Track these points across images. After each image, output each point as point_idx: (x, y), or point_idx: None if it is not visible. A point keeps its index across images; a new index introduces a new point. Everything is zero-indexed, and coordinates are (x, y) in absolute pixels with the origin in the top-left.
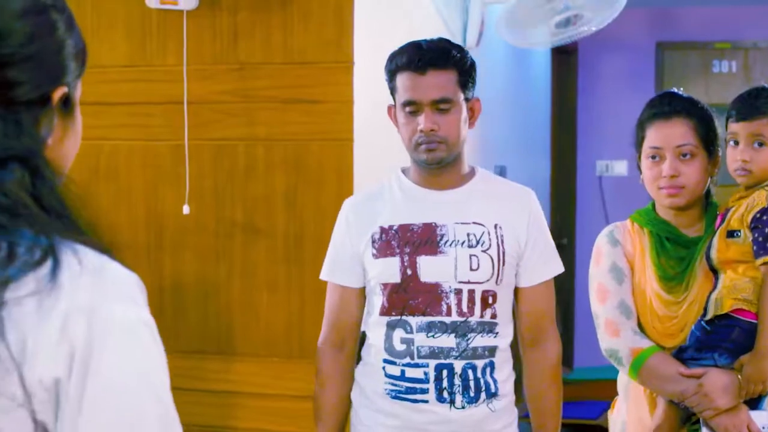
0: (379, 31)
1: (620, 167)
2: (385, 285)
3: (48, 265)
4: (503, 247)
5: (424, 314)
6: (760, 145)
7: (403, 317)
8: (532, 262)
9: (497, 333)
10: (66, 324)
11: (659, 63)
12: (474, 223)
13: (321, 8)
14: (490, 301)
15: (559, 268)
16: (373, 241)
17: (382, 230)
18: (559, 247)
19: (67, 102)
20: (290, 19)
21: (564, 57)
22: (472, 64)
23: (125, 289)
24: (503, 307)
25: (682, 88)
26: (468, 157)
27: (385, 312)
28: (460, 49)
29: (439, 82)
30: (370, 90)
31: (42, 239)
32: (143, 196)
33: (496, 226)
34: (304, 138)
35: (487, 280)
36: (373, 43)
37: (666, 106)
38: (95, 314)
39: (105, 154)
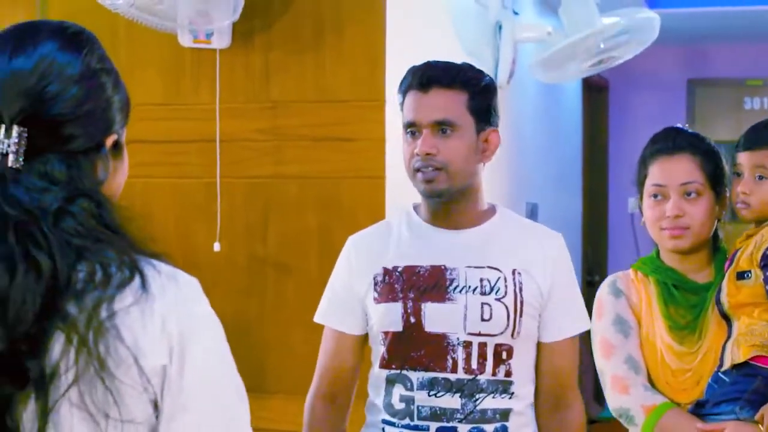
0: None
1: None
2: (386, 333)
3: (137, 278)
4: (521, 296)
5: (426, 369)
6: (761, 177)
7: (403, 371)
8: (555, 314)
9: (512, 394)
10: (164, 323)
11: (690, 100)
12: (489, 267)
13: (353, 47)
14: (505, 356)
15: (585, 324)
16: (376, 284)
17: (386, 272)
18: (591, 285)
19: (116, 145)
20: (322, 57)
21: (595, 94)
22: (488, 89)
23: (195, 288)
24: (522, 364)
25: (687, 121)
26: (499, 195)
27: (384, 364)
28: (477, 71)
29: (442, 101)
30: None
31: (125, 258)
32: (175, 234)
33: (514, 272)
34: (336, 176)
35: (501, 333)
36: None
37: (670, 141)
38: (182, 312)
39: (138, 191)
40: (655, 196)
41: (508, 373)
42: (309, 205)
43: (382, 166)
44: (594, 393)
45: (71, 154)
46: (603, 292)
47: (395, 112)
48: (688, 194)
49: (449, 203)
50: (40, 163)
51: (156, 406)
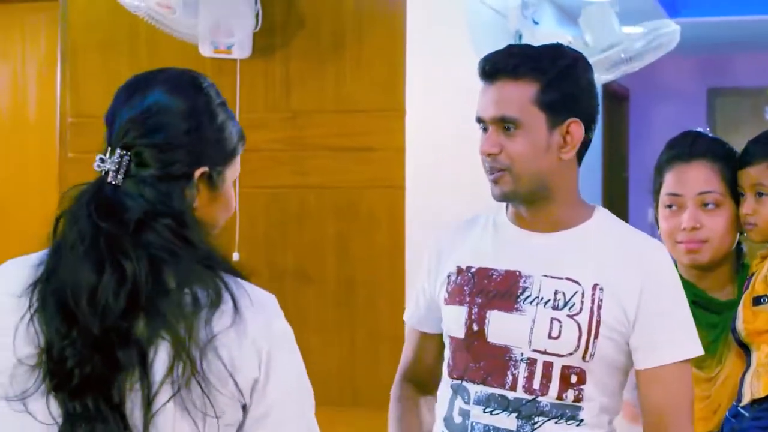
0: (430, 79)
1: None
2: (451, 339)
3: (228, 300)
4: (599, 315)
5: (484, 383)
6: (760, 195)
7: (464, 383)
8: (648, 337)
9: (582, 421)
10: (254, 342)
11: (711, 109)
12: (567, 279)
13: (373, 57)
14: (574, 380)
15: (693, 350)
16: (448, 283)
17: (459, 271)
18: None
19: (209, 178)
20: (342, 67)
21: (616, 103)
22: (567, 76)
23: (274, 306)
24: (598, 391)
25: (708, 129)
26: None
27: (450, 372)
28: (557, 54)
29: (505, 95)
30: (421, 137)
31: (216, 280)
32: None
33: (595, 287)
34: (356, 185)
35: (570, 354)
36: (424, 90)
37: (687, 146)
38: (268, 331)
39: None
40: (670, 206)
41: (577, 399)
42: (328, 214)
43: (402, 176)
44: None
45: (162, 178)
46: None
47: (415, 121)
48: (706, 205)
49: (527, 205)
50: (134, 182)
51: (245, 409)
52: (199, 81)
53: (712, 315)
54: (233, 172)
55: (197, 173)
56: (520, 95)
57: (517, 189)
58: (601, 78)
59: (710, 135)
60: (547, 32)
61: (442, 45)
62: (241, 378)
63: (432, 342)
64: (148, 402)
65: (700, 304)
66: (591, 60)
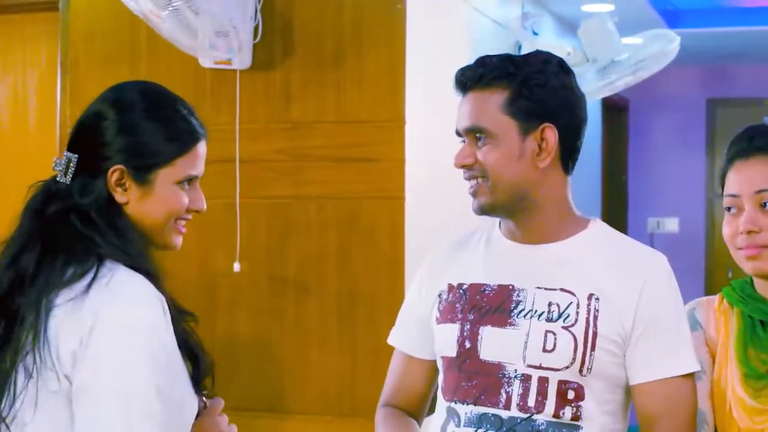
0: (431, 90)
1: (672, 224)
2: (444, 360)
3: (87, 279)
4: (595, 326)
5: (476, 403)
6: (764, 206)
7: (454, 404)
8: (644, 351)
9: None
10: (83, 318)
11: (710, 119)
12: (561, 290)
13: (373, 68)
14: (571, 396)
15: (689, 365)
16: (440, 302)
17: (450, 288)
18: None
19: (141, 176)
20: (343, 78)
21: (615, 114)
22: (537, 81)
23: (134, 297)
24: (597, 408)
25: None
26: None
27: (443, 394)
28: (529, 60)
29: (476, 105)
30: (422, 148)
31: (91, 262)
32: (196, 254)
33: (590, 298)
34: (356, 196)
35: (566, 367)
36: (425, 101)
37: (745, 142)
38: (105, 312)
39: None
40: (729, 208)
41: (575, 417)
42: (329, 225)
43: (402, 187)
44: None
45: (82, 176)
46: None
47: (415, 132)
48: (765, 204)
49: (512, 217)
50: (76, 182)
51: (69, 380)
52: (128, 93)
53: None
54: (177, 172)
55: (110, 171)
56: (489, 104)
57: (495, 200)
58: (604, 91)
59: None
60: (546, 43)
61: (442, 56)
62: (63, 348)
63: (422, 369)
64: (12, 363)
65: None
66: (594, 72)
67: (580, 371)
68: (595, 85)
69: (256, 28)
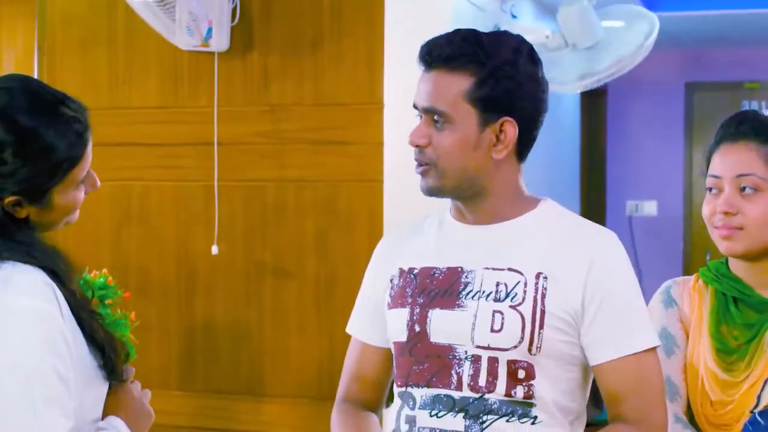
0: (409, 73)
1: (650, 207)
2: (395, 345)
3: None
4: (543, 304)
5: (428, 385)
6: (743, 190)
7: (408, 389)
8: (600, 330)
9: (535, 419)
10: None
11: (689, 103)
12: (509, 269)
13: (351, 51)
14: (521, 375)
15: (647, 340)
16: (391, 287)
17: (401, 273)
18: None
19: (37, 201)
20: (321, 61)
21: (593, 99)
22: (505, 72)
23: (22, 287)
24: (551, 387)
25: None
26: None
27: (397, 380)
28: (501, 46)
29: (439, 85)
30: (400, 131)
31: None
32: (174, 237)
33: (538, 276)
34: (335, 179)
35: (514, 347)
36: (403, 84)
37: (733, 127)
38: None
39: (136, 194)
40: (711, 189)
41: (528, 396)
42: (307, 208)
43: (380, 170)
44: (593, 397)
45: None
46: (655, 299)
47: (393, 115)
48: (743, 188)
49: (461, 200)
50: None
51: None
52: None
53: (751, 313)
54: (72, 181)
55: (5, 200)
56: (452, 88)
57: (443, 185)
58: (589, 85)
59: (763, 115)
60: (525, 26)
61: (420, 38)
62: None
63: (378, 355)
64: None
65: (743, 301)
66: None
67: (530, 350)
68: (576, 74)
69: (234, 10)
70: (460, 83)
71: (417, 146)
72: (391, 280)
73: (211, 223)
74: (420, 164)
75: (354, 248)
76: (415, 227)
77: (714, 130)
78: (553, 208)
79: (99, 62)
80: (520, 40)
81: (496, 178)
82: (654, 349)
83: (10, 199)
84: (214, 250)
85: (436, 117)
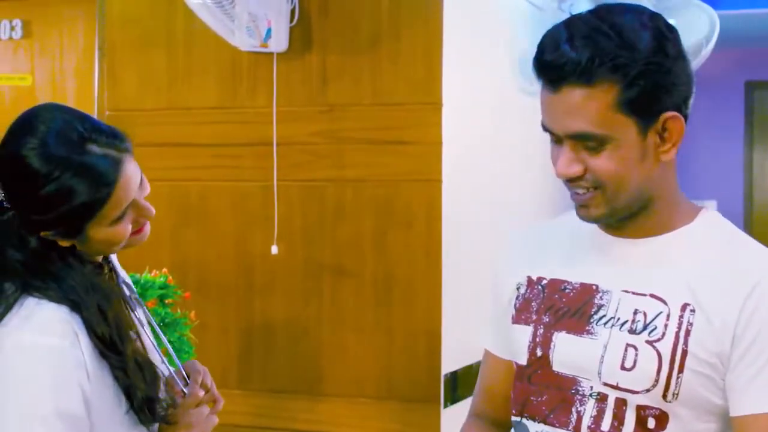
0: (468, 71)
1: (711, 207)
2: (516, 365)
3: (2, 310)
4: (686, 343)
5: (545, 421)
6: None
7: (523, 419)
8: (748, 375)
9: None
10: None
11: (749, 102)
12: (651, 296)
13: (410, 49)
14: (651, 425)
15: None
16: (517, 297)
17: (529, 282)
18: None
19: (71, 236)
20: (379, 60)
21: None
22: (652, 64)
23: (40, 324)
24: None
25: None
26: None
27: (512, 405)
28: (639, 35)
29: (578, 105)
30: (459, 130)
31: (11, 295)
32: (233, 237)
33: (684, 308)
34: (393, 179)
35: (647, 390)
36: (462, 83)
37: None
38: (4, 341)
39: (195, 194)
40: None
41: None
42: (366, 208)
43: (439, 170)
44: None
45: (20, 227)
46: None
47: (452, 115)
48: None
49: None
50: (12, 225)
51: None
52: (18, 153)
53: None
54: (106, 218)
55: (41, 233)
56: (597, 104)
57: (614, 210)
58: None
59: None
60: None
61: (479, 38)
62: None
63: (504, 367)
64: None
65: None
66: None
67: (664, 396)
68: None
69: (292, 11)
70: (604, 94)
71: (573, 179)
72: (518, 288)
73: (270, 223)
74: (580, 195)
75: (412, 248)
76: (548, 227)
77: None
78: (714, 222)
79: (158, 63)
80: (648, 14)
81: (662, 184)
82: None
83: (45, 233)
84: (274, 250)
85: (587, 142)
